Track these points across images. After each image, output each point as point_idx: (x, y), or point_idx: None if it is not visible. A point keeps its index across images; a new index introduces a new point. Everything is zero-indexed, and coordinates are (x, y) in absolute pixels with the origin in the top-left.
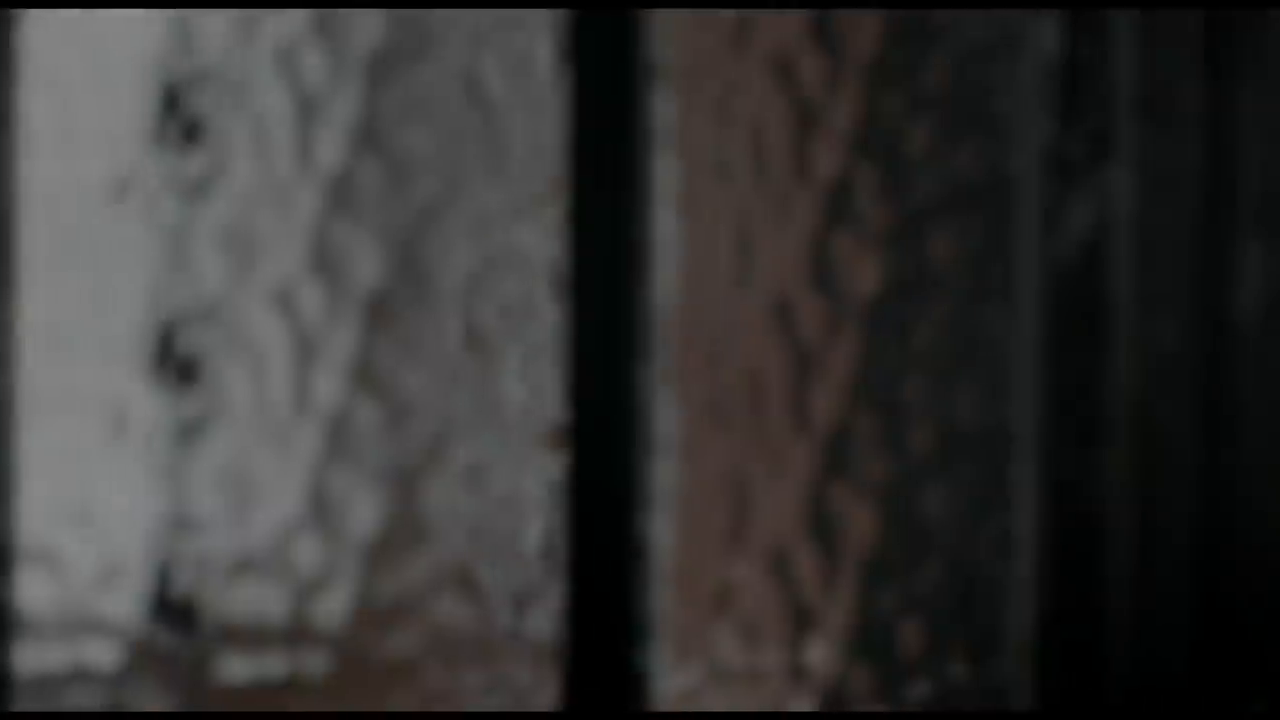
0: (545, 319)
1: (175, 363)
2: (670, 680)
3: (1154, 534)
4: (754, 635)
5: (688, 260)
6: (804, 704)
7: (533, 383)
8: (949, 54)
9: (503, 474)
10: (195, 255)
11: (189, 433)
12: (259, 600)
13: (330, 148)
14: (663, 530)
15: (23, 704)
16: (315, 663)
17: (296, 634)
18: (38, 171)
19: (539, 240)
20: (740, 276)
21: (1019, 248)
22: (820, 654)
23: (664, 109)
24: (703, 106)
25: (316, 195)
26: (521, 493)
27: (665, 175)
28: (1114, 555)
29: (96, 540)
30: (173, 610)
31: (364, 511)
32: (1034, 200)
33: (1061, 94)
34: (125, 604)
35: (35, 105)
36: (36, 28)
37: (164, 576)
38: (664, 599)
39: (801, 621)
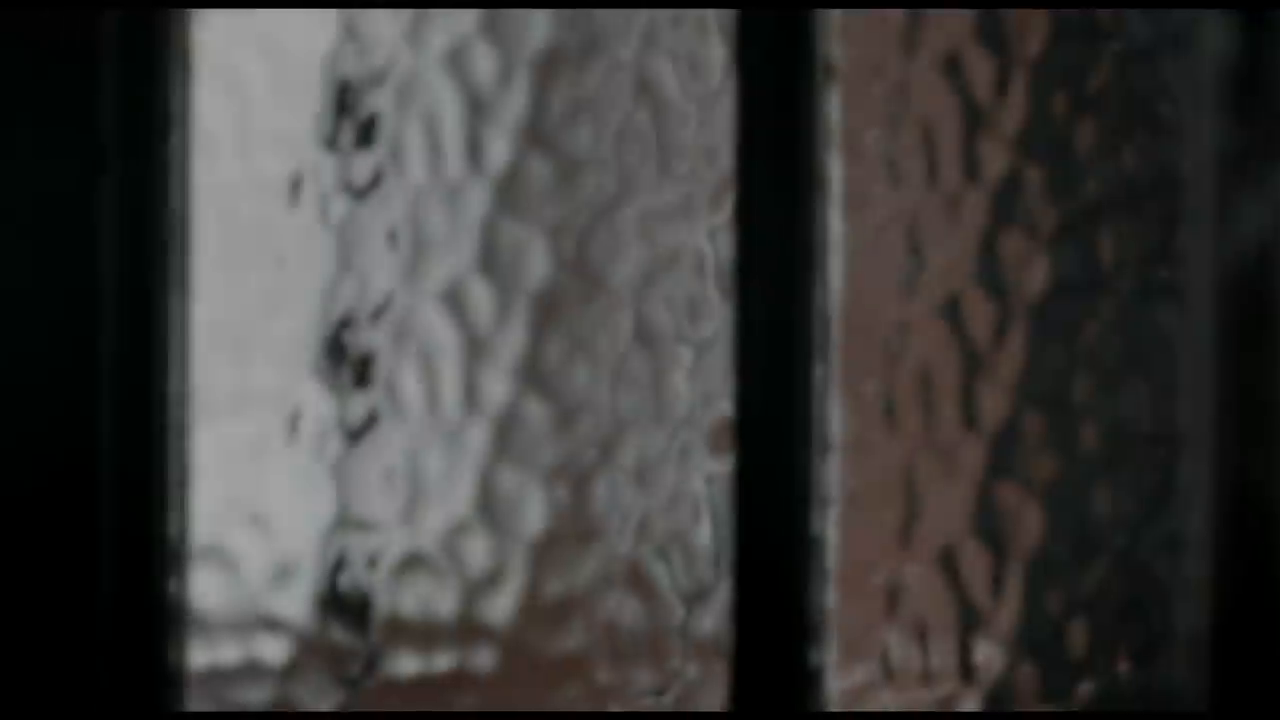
0: (714, 318)
1: (347, 363)
2: (838, 679)
3: None
4: (922, 634)
5: (856, 259)
6: (971, 704)
7: (702, 381)
8: (1117, 53)
9: (671, 472)
10: (367, 255)
11: (360, 432)
12: (428, 597)
13: (499, 147)
14: (831, 529)
15: (194, 699)
16: (483, 658)
17: (465, 630)
18: (213, 172)
19: (708, 239)
20: (909, 276)
21: (1191, 247)
22: (988, 653)
23: (832, 109)
24: (871, 106)
25: (486, 194)
26: (690, 491)
27: (834, 175)
28: None
29: (269, 538)
30: (343, 607)
31: (532, 509)
32: (1207, 200)
33: (1235, 93)
34: (296, 601)
35: (211, 106)
36: (212, 28)
37: (335, 574)
38: (832, 597)
39: (969, 620)
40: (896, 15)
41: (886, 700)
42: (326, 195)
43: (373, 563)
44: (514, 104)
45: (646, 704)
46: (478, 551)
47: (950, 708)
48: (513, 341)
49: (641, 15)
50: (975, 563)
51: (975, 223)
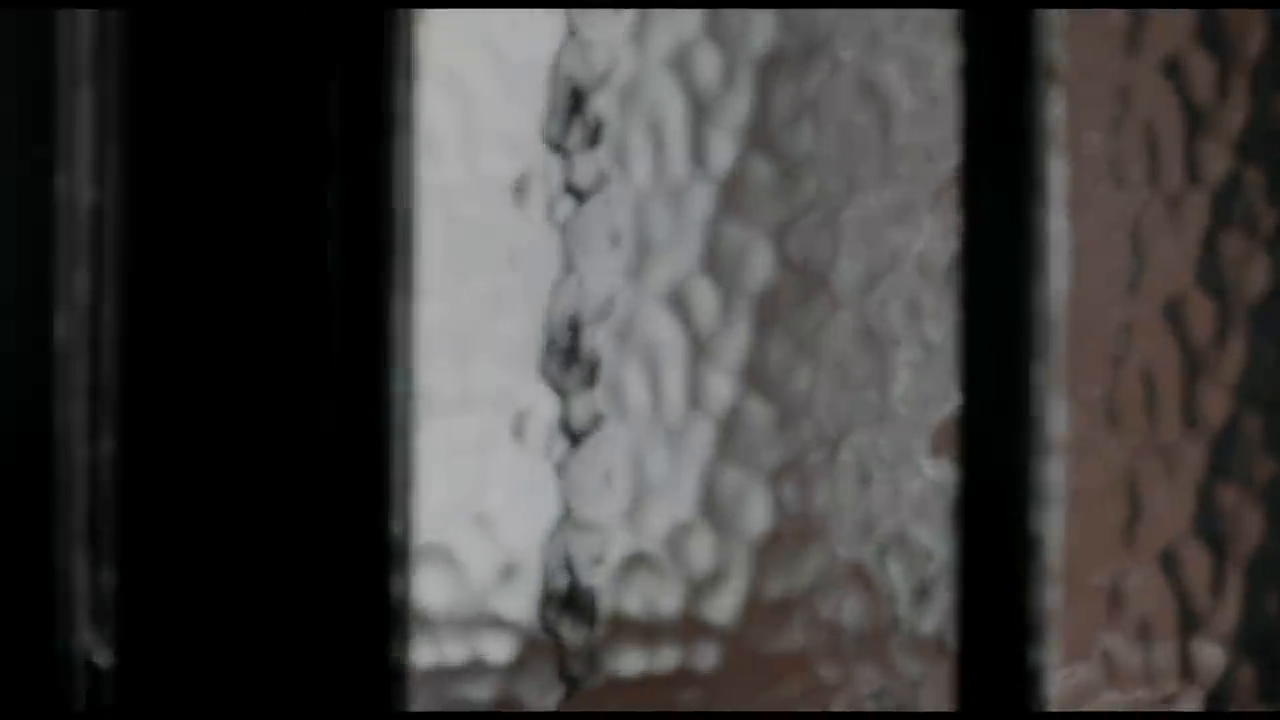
0: (937, 318)
1: (571, 363)
2: (1061, 679)
3: None
4: (1144, 634)
5: (1078, 260)
6: (1192, 704)
7: (925, 381)
8: None
9: (894, 472)
10: (591, 256)
11: (584, 432)
12: (651, 596)
13: (723, 148)
14: (1054, 529)
15: (419, 698)
16: (705, 657)
17: (687, 629)
18: (438, 173)
19: (931, 240)
20: (1130, 276)
21: None
22: (1208, 654)
23: (1055, 110)
24: (1093, 108)
25: (709, 195)
26: (913, 490)
27: (1056, 176)
28: None
29: (493, 538)
30: (567, 606)
31: (755, 509)
32: None
33: None
34: (520, 600)
35: (436, 107)
36: (437, 30)
37: (559, 573)
38: (1055, 597)
39: (1190, 621)
40: (1118, 17)
41: (1108, 700)
42: (551, 196)
43: (596, 562)
44: (737, 105)
45: (869, 704)
46: (700, 550)
47: (1171, 707)
48: (736, 342)
49: (865, 16)
50: (1195, 563)
51: (1196, 223)
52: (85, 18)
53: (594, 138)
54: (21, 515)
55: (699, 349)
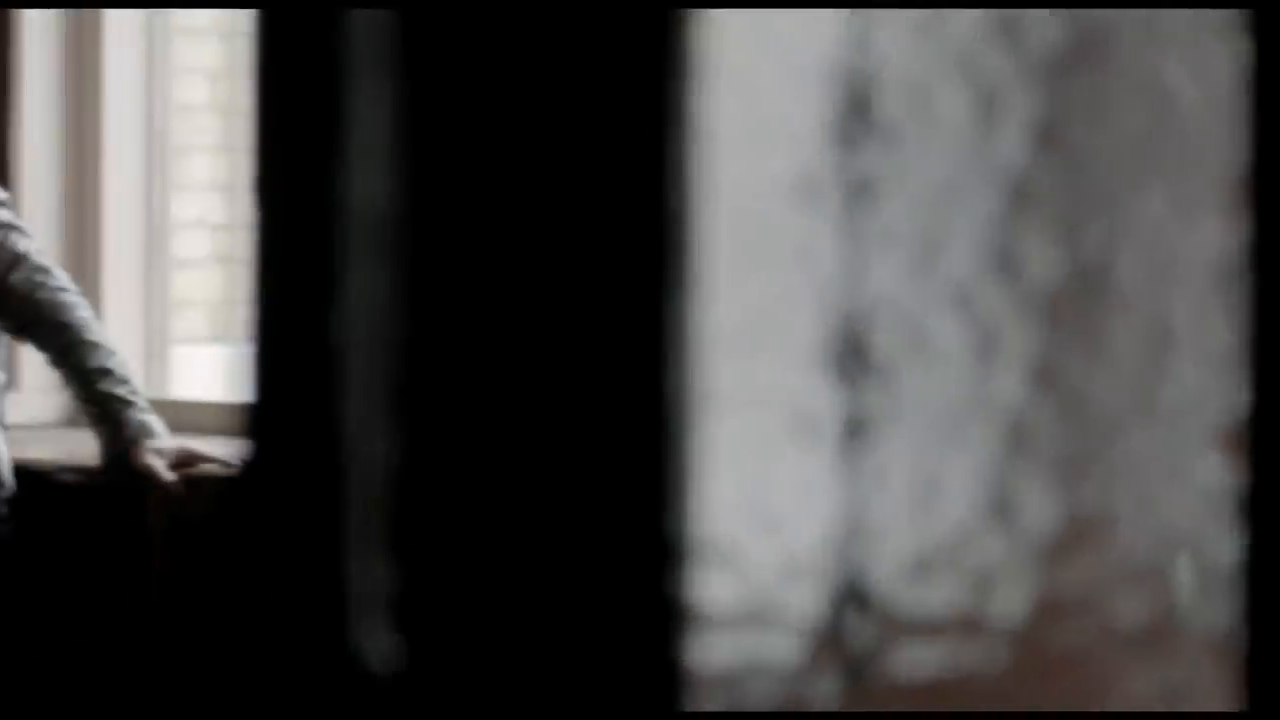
0: (1227, 318)
1: (855, 361)
2: None
3: None
4: None
5: None
6: None
7: (1213, 382)
8: None
9: (1182, 472)
10: (874, 254)
11: (868, 430)
12: (936, 595)
13: (1010, 147)
14: None
15: (700, 698)
16: (992, 656)
17: (973, 628)
18: (719, 171)
19: (1220, 240)
20: None
21: None
22: None
23: None
24: None
25: (994, 194)
26: (1201, 491)
27: None
28: None
29: (777, 536)
30: (851, 605)
31: (1043, 508)
32: None
33: None
34: (805, 598)
35: (715, 105)
36: (715, 27)
37: (844, 571)
38: None
39: None
40: None
41: None
42: (834, 193)
43: (881, 561)
44: (1023, 104)
45: (1156, 704)
46: (986, 550)
47: None
48: (1021, 341)
49: (1150, 15)
50: None
51: None
52: (373, 16)
53: (878, 135)
54: (309, 514)
55: (984, 348)
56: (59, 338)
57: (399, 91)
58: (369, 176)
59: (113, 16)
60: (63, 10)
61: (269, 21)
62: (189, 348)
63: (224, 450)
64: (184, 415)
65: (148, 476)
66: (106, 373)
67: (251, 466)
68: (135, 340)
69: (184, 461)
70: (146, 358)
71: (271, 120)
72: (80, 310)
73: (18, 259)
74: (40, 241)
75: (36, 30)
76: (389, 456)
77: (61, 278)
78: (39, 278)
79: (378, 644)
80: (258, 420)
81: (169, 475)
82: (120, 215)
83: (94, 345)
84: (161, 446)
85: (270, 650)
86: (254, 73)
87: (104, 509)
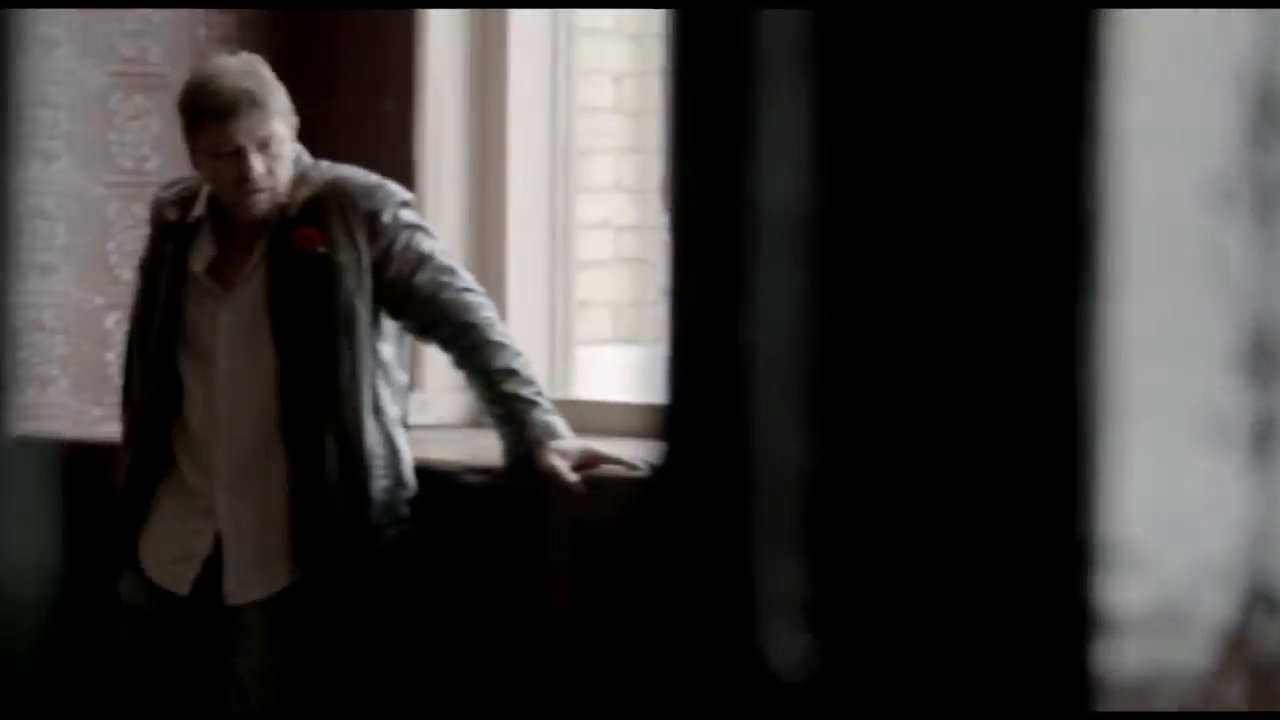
0: None
1: (1266, 363)
2: None
3: None
4: None
5: None
6: None
7: None
8: None
9: None
10: None
11: (1278, 433)
12: None
13: None
14: None
15: (1112, 702)
16: None
17: None
18: (1132, 174)
19: None
20: None
21: None
22: None
23: None
24: None
25: None
26: None
27: None
28: None
29: (1188, 540)
30: (1261, 607)
31: None
32: None
33: None
34: (1214, 603)
35: (1129, 107)
36: (1129, 29)
37: (1254, 575)
38: None
39: None
40: None
41: None
42: (1246, 196)
43: None
44: None
45: None
46: None
47: None
48: None
49: None
50: None
51: None
52: (785, 16)
53: None
54: (721, 516)
55: None
56: (463, 338)
57: (811, 91)
58: (780, 176)
59: (517, 18)
60: (467, 11)
61: (681, 22)
62: (592, 349)
63: (628, 451)
64: (587, 416)
65: (550, 478)
66: (511, 373)
67: (662, 468)
68: (539, 341)
69: (587, 463)
70: (550, 358)
71: (683, 121)
72: (484, 310)
73: (422, 259)
74: (445, 242)
75: (442, 32)
76: (799, 457)
77: (466, 278)
78: (444, 278)
79: (787, 646)
80: (669, 422)
81: (571, 476)
82: (524, 217)
83: (499, 345)
84: (565, 448)
85: (678, 652)
86: (665, 74)
87: (506, 510)
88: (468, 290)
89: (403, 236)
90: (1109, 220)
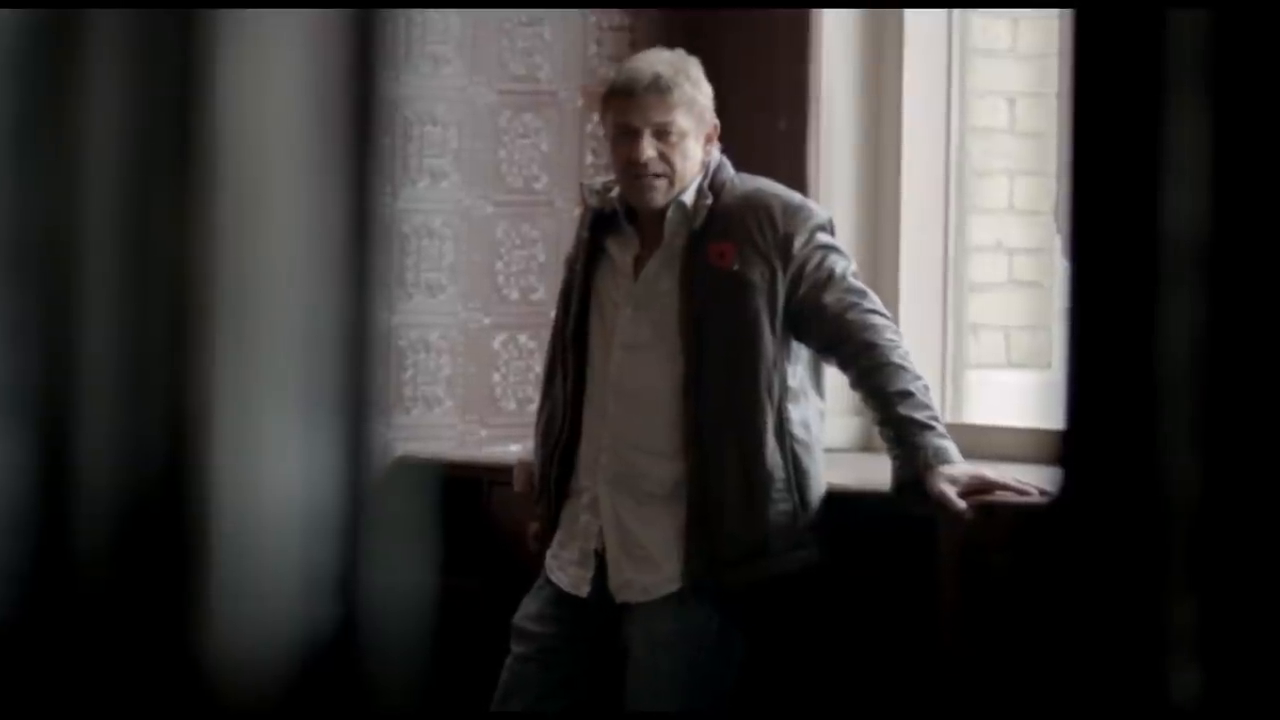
0: None
1: None
2: None
3: None
4: None
5: None
6: None
7: None
8: None
9: None
10: None
11: None
12: None
13: None
14: None
15: None
16: None
17: None
18: None
19: None
20: None
21: None
22: None
23: None
24: None
25: None
26: None
27: None
28: None
29: None
30: None
31: None
32: None
33: None
34: None
35: None
36: None
37: None
38: None
39: None
40: None
41: None
42: None
43: None
44: None
45: None
46: None
47: None
48: None
49: None
50: None
51: None
52: (1190, 27)
53: None
54: (1127, 546)
55: None
56: (864, 358)
57: (1216, 105)
58: (1185, 196)
59: (912, 39)
60: (861, 30)
61: (1085, 38)
62: (984, 372)
63: (1022, 477)
64: (981, 440)
65: (940, 503)
66: (907, 395)
67: (1063, 496)
68: (931, 363)
69: (977, 489)
70: (941, 381)
71: (1086, 141)
72: (888, 333)
73: (832, 278)
74: (856, 264)
75: (835, 51)
76: (1200, 487)
77: (874, 301)
78: (851, 299)
79: (1184, 677)
80: (1071, 449)
81: (960, 503)
82: (917, 238)
83: (898, 368)
84: (955, 473)
85: (1076, 684)
86: (1066, 94)
87: (896, 535)
88: (874, 312)
89: (815, 257)
90: None
